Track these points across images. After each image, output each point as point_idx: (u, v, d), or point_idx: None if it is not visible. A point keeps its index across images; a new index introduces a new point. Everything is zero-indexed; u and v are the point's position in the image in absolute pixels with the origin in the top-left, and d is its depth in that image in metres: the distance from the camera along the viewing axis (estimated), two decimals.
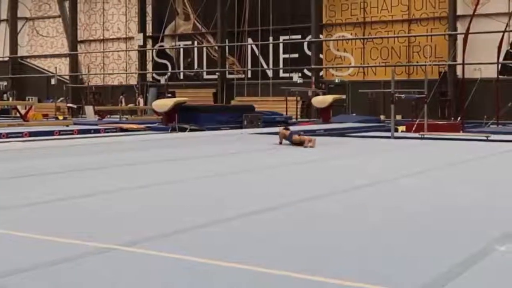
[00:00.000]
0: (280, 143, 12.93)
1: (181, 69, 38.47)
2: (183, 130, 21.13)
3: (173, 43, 38.84)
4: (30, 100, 37.21)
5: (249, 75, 36.05)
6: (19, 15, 44.05)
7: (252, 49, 36.05)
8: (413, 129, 19.23)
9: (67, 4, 41.35)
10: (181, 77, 38.54)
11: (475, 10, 25.23)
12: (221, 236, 4.61)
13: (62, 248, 4.20)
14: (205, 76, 37.63)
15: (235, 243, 4.36)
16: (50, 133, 19.06)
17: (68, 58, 41.88)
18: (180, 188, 7.15)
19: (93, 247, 4.17)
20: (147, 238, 4.43)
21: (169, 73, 38.33)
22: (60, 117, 27.99)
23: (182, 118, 22.00)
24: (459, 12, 29.89)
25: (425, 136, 16.91)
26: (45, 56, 43.97)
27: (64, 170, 8.64)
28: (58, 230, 4.76)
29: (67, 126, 21.84)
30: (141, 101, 35.79)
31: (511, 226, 4.95)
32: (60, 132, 19.32)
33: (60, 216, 5.41)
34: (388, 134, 16.92)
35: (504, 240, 4.47)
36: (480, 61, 28.17)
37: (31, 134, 18.15)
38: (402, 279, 3.53)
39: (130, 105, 34.72)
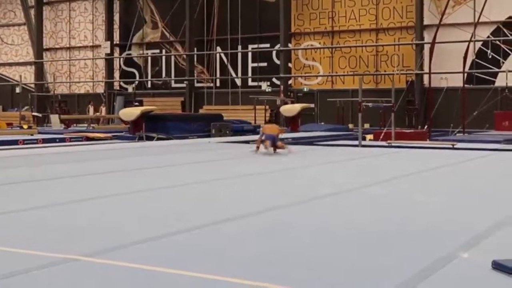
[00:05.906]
0: (258, 148, 12.92)
1: (149, 77, 38.23)
2: (150, 139, 20.94)
3: (141, 52, 38.59)
4: None
5: (218, 84, 35.96)
6: None
7: (220, 57, 35.99)
8: (381, 137, 19.34)
9: (32, 11, 40.83)
10: (149, 85, 38.29)
11: (441, 20, 25.52)
12: (180, 246, 4.53)
13: (19, 259, 4.07)
14: (173, 85, 37.43)
15: (194, 253, 4.28)
16: (15, 142, 18.74)
17: (33, 66, 41.34)
18: (148, 197, 7.04)
19: (51, 257, 4.05)
20: (107, 249, 4.34)
21: (136, 82, 38.04)
22: (25, 126, 27.50)
23: (150, 127, 21.80)
24: (426, 22, 30.18)
25: (392, 144, 17.02)
26: (10, 64, 43.30)
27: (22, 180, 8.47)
28: (13, 241, 4.63)
29: (32, 135, 21.50)
30: (103, 109, 35.42)
31: (473, 233, 4.95)
32: (24, 142, 19.01)
33: (14, 227, 5.28)
34: (356, 142, 16.99)
35: (468, 247, 4.46)
36: (446, 70, 28.48)
37: None
38: None
39: (96, 114, 34.35)
